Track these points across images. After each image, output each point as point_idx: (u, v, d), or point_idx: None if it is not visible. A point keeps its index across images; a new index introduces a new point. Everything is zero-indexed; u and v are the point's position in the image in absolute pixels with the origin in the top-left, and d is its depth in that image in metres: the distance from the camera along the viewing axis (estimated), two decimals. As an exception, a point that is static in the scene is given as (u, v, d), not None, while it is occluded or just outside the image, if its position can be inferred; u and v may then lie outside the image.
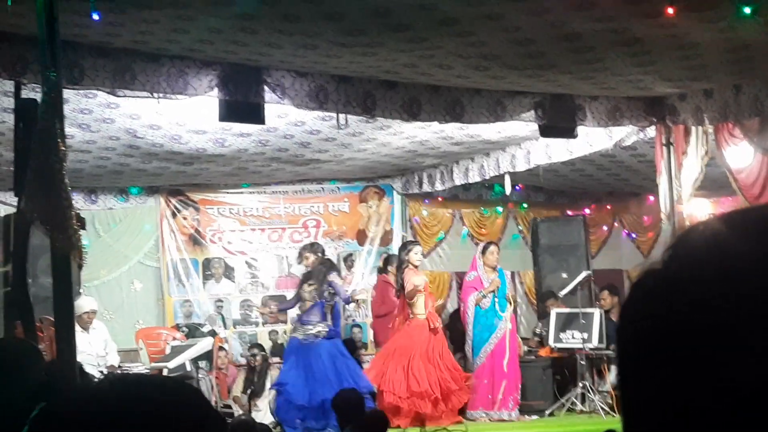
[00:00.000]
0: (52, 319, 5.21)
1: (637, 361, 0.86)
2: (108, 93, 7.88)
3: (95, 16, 5.97)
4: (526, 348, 12.77)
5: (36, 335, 5.08)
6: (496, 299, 11.74)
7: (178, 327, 12.97)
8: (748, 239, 0.82)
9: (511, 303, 12.05)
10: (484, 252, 12.01)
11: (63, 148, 3.94)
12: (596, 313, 12.11)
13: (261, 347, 12.87)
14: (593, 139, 10.82)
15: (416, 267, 11.69)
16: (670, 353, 0.82)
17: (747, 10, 6.49)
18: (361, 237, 14.38)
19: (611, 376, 12.03)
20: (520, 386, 11.65)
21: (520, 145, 11.78)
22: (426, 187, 13.86)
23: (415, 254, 11.73)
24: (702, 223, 0.88)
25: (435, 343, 11.40)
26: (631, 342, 0.87)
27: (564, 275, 14.04)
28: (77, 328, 10.71)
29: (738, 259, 0.81)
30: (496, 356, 11.51)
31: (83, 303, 11.26)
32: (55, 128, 3.93)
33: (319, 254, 11.81)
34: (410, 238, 14.31)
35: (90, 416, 1.28)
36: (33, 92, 6.38)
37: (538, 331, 12.92)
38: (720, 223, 0.86)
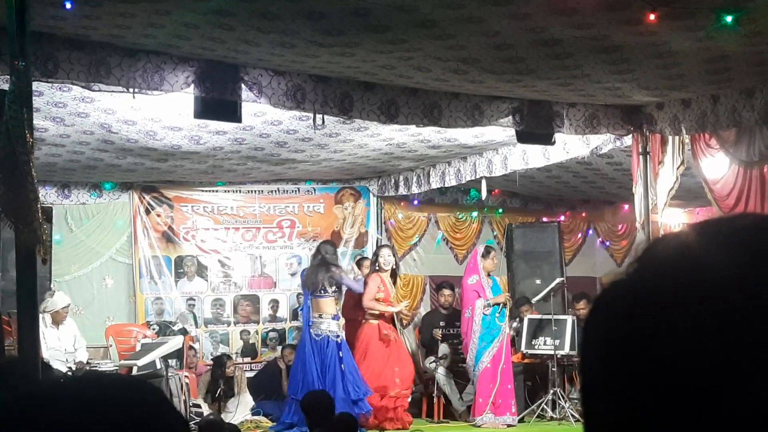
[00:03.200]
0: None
1: (600, 371, 0.85)
2: (83, 87, 7.81)
3: (68, 5, 5.89)
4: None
5: (1, 330, 5.00)
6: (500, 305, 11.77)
7: (148, 324, 12.89)
8: (716, 251, 0.82)
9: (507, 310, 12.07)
10: (485, 256, 11.93)
11: (30, 140, 3.86)
12: (569, 320, 12.14)
13: (229, 356, 12.80)
14: (570, 146, 10.83)
15: (384, 272, 11.65)
16: (631, 364, 0.81)
17: (728, 18, 6.49)
18: (336, 238, 14.33)
19: (582, 383, 12.04)
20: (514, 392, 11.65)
21: (497, 150, 11.78)
22: (402, 190, 13.84)
23: (381, 257, 11.74)
24: (668, 235, 0.88)
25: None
26: (593, 353, 0.86)
27: (538, 281, 14.07)
28: (49, 323, 10.78)
29: (704, 271, 0.81)
30: (497, 361, 11.50)
31: (59, 299, 11.21)
32: (23, 119, 3.86)
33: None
34: (385, 240, 14.30)
35: (45, 414, 1.24)
36: (5, 83, 6.31)
37: (515, 325, 12.82)
38: (687, 235, 0.86)
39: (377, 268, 11.75)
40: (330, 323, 11.17)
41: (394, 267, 11.77)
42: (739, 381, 0.76)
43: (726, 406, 0.76)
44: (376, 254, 12.01)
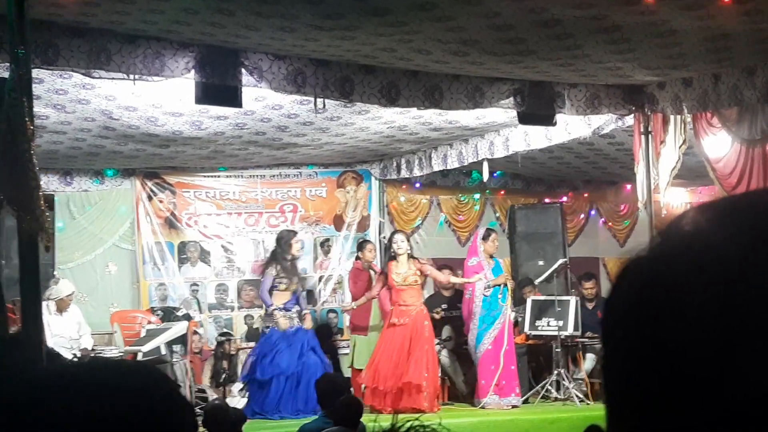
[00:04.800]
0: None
1: (613, 351, 0.85)
2: (83, 74, 7.80)
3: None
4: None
5: (6, 318, 5.02)
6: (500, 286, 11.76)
7: (153, 310, 12.91)
8: (739, 227, 0.80)
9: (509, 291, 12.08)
10: (485, 239, 11.92)
11: (31, 128, 3.87)
12: (572, 301, 12.13)
13: (230, 334, 12.84)
14: (572, 126, 10.81)
15: (398, 256, 11.57)
16: (650, 340, 0.80)
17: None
18: (338, 222, 14.35)
19: (586, 363, 12.07)
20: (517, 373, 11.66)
21: (499, 131, 11.77)
22: (404, 173, 13.83)
23: (395, 243, 11.69)
24: (692, 210, 0.86)
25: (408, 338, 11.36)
26: (614, 329, 0.86)
27: (540, 263, 14.08)
28: (53, 311, 10.79)
29: (710, 253, 0.79)
30: (500, 342, 11.50)
31: (63, 287, 11.24)
32: (23, 107, 3.87)
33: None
34: (387, 224, 14.30)
35: (53, 399, 1.25)
36: (5, 72, 6.30)
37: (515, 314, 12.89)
38: (712, 210, 0.84)
39: (392, 254, 11.69)
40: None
41: (409, 252, 11.69)
42: (738, 369, 0.75)
43: (726, 394, 0.76)
44: (389, 240, 12.02)
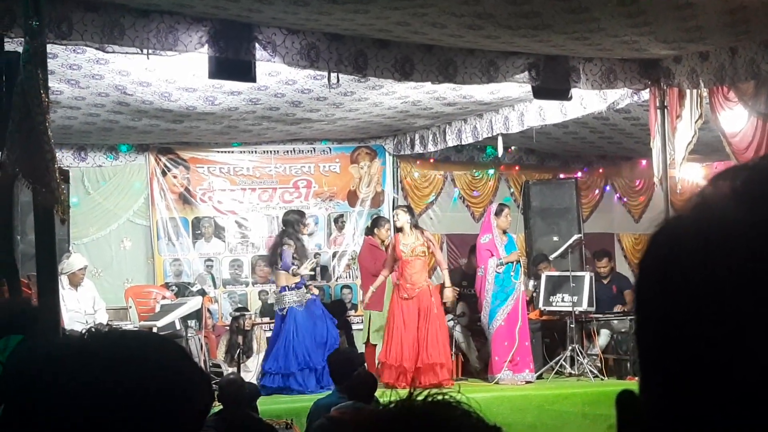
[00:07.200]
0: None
1: (650, 317, 0.83)
2: (97, 49, 7.79)
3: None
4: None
5: (21, 293, 5.03)
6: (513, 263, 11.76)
7: (167, 286, 12.95)
8: (740, 201, 0.78)
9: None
10: (498, 214, 11.93)
11: (46, 100, 3.85)
12: (586, 277, 12.13)
13: (246, 309, 12.89)
14: (587, 101, 10.75)
15: (401, 229, 11.63)
16: (673, 315, 0.78)
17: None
18: (352, 198, 14.34)
19: (600, 339, 12.07)
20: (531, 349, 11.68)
21: (514, 106, 11.72)
22: (418, 149, 13.80)
23: (395, 217, 11.79)
24: (731, 170, 0.83)
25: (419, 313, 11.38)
26: (644, 300, 0.84)
27: (555, 238, 14.05)
28: (67, 285, 10.83)
29: (747, 220, 0.77)
30: (513, 318, 11.51)
31: (75, 261, 11.27)
32: (38, 78, 3.85)
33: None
34: (401, 199, 14.27)
35: (70, 368, 1.24)
36: (19, 46, 6.28)
37: (531, 288, 12.89)
38: (751, 170, 0.81)
39: (396, 228, 11.78)
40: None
41: (412, 222, 11.71)
42: (749, 352, 0.74)
43: (736, 376, 0.74)
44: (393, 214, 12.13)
